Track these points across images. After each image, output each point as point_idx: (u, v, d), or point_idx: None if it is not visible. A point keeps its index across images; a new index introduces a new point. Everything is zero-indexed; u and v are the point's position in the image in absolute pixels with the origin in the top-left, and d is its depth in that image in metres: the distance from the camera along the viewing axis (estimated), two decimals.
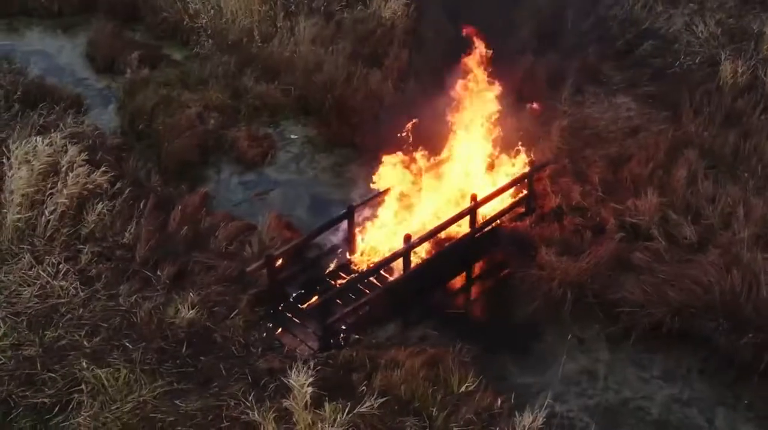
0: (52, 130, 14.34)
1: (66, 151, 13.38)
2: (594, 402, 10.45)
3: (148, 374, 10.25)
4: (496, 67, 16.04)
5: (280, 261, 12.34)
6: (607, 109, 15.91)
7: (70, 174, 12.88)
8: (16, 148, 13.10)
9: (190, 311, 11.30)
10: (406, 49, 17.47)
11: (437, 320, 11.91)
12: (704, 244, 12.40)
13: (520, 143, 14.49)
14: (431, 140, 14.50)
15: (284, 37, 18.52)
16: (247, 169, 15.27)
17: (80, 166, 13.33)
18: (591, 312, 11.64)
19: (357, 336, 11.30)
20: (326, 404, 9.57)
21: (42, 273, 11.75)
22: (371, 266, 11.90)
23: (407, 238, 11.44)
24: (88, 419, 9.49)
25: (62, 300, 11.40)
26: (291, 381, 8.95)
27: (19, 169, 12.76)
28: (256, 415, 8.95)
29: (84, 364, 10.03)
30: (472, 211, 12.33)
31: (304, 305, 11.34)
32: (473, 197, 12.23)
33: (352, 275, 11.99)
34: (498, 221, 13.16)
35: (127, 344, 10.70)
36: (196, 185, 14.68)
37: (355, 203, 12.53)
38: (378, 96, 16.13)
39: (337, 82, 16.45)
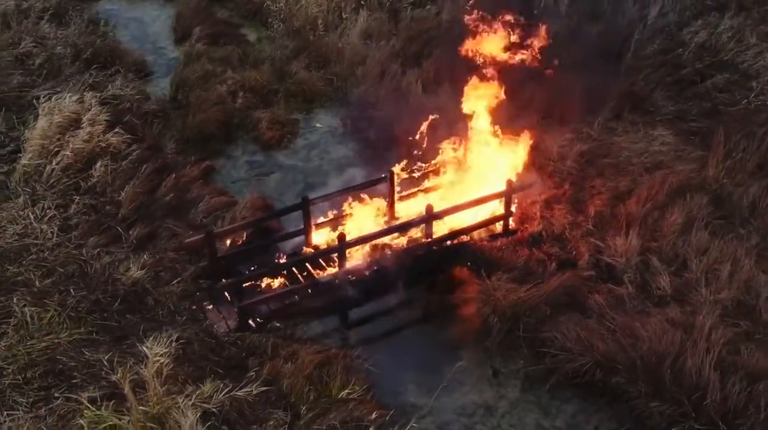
0: (86, 89, 15.64)
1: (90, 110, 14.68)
2: None
3: (74, 321, 11.02)
4: (536, 82, 15.50)
5: (244, 237, 12.85)
6: (639, 140, 14.76)
7: (81, 131, 14.09)
8: (45, 101, 14.50)
9: (139, 272, 12.04)
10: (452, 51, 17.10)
11: (366, 324, 11.84)
12: (678, 298, 11.31)
13: (522, 162, 13.97)
14: (434, 146, 14.33)
15: (346, 29, 18.86)
16: (261, 150, 15.77)
17: (99, 124, 14.58)
18: (519, 346, 11.00)
19: (278, 324, 11.46)
20: (207, 381, 9.97)
21: (30, 215, 12.95)
22: (298, 256, 12.02)
23: (341, 237, 11.42)
24: (2, 348, 10.45)
25: (37, 241, 12.47)
26: (145, 349, 9.33)
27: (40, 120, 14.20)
28: (116, 376, 9.40)
29: (15, 300, 11.01)
30: (426, 222, 12.02)
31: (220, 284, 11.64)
32: (428, 208, 11.93)
33: (271, 262, 12.17)
34: (465, 237, 12.74)
35: (71, 290, 11.58)
36: (208, 158, 15.42)
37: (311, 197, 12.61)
38: (404, 95, 16.01)
39: (369, 76, 16.52)
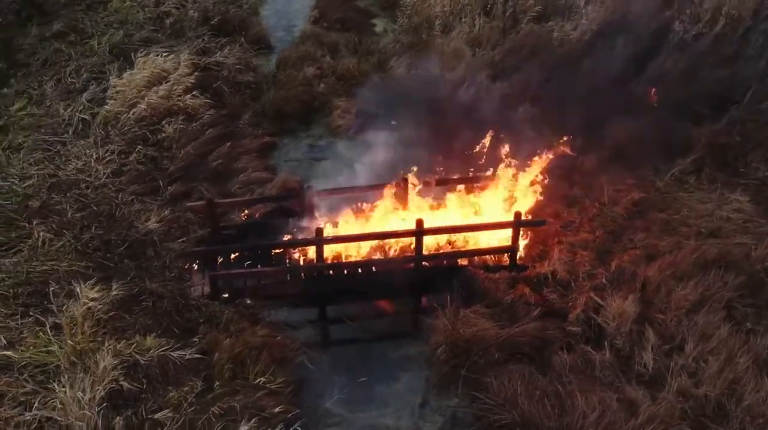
0: (196, 53, 16.92)
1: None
2: None
3: (80, 253, 12.11)
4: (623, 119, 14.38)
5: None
6: (709, 201, 13.08)
7: (160, 88, 15.34)
8: (142, 56, 15.95)
9: (155, 224, 12.96)
10: (546, 71, 16.19)
11: (329, 322, 11.86)
12: (654, 380, 10.04)
13: (561, 198, 13.08)
14: (488, 163, 13.78)
15: (461, 32, 18.53)
16: (327, 136, 16.10)
17: (181, 85, 15.77)
18: (459, 384, 10.40)
19: (248, 301, 11.79)
20: (150, 335, 10.64)
21: (93, 154, 14.44)
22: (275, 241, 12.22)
23: (319, 231, 11.46)
24: (11, 263, 11.79)
25: (89, 179, 13.91)
26: (78, 290, 10.09)
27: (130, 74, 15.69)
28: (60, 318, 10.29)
29: (35, 223, 12.36)
30: (416, 236, 11.67)
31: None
32: (418, 222, 11.56)
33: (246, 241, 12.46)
34: (463, 261, 12.22)
35: (92, 227, 12.75)
36: (277, 134, 16.07)
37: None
38: (475, 106, 15.46)
39: (450, 83, 16.18)
